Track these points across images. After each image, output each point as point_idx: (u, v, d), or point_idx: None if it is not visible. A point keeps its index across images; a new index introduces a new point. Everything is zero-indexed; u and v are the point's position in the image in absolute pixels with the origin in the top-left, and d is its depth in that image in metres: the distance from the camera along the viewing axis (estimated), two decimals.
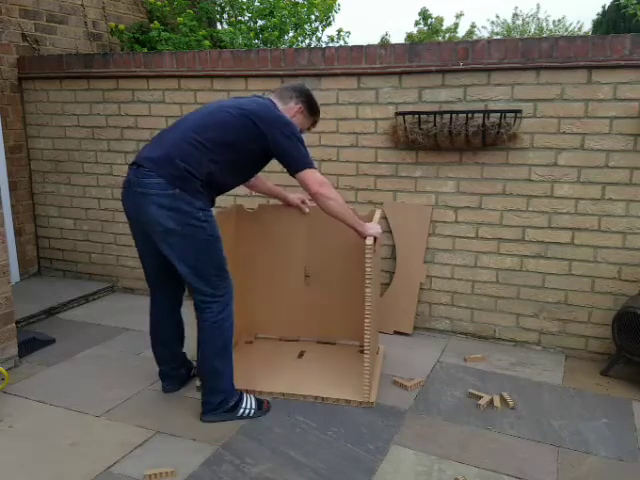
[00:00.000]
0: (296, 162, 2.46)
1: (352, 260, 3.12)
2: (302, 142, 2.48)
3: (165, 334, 2.76)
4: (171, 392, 2.81)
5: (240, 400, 2.58)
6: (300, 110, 2.63)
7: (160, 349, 2.78)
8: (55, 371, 3.07)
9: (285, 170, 2.53)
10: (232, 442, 2.41)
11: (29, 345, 3.27)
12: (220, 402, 2.53)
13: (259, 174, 2.77)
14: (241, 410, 2.56)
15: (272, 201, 3.25)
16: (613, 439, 2.46)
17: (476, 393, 2.79)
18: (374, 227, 2.70)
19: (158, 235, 2.39)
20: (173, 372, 2.82)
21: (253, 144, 2.45)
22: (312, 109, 2.68)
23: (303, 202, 3.09)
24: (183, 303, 2.80)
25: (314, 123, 2.77)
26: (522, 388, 2.90)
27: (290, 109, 2.60)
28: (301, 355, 3.17)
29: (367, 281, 2.61)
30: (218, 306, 2.47)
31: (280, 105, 2.58)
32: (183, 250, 2.38)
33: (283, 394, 2.77)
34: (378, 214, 2.96)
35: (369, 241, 2.57)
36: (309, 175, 2.46)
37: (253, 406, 2.59)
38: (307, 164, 2.47)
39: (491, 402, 2.73)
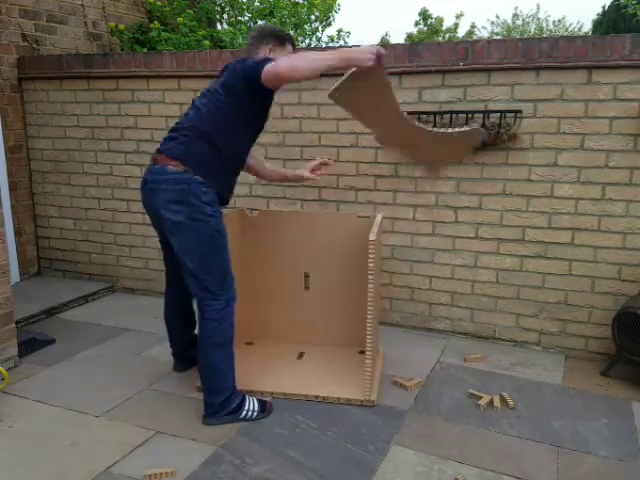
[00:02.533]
0: (261, 64, 2.32)
1: (352, 265, 3.13)
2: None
3: (170, 315, 2.93)
4: (179, 371, 3.02)
5: (243, 402, 2.57)
6: (272, 49, 2.58)
7: (169, 329, 2.96)
8: (55, 371, 3.07)
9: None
10: (232, 442, 2.41)
11: (29, 345, 3.27)
12: (222, 402, 2.52)
13: (260, 160, 2.93)
14: (244, 412, 2.56)
15: (273, 206, 3.25)
16: (613, 439, 2.46)
17: (476, 393, 2.79)
18: (368, 48, 2.11)
19: (167, 229, 2.48)
20: (180, 354, 3.01)
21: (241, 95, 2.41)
22: (280, 40, 2.62)
23: (313, 171, 3.09)
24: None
25: (293, 47, 2.67)
26: (522, 388, 2.90)
27: (265, 54, 2.55)
28: (301, 356, 3.17)
29: (370, 276, 2.61)
30: (219, 304, 2.49)
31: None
32: (189, 245, 2.45)
33: (284, 394, 2.77)
34: (379, 218, 2.96)
35: (372, 236, 2.59)
36: (273, 64, 2.28)
37: (256, 408, 2.59)
38: (269, 61, 2.32)
39: (491, 402, 2.73)
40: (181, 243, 2.46)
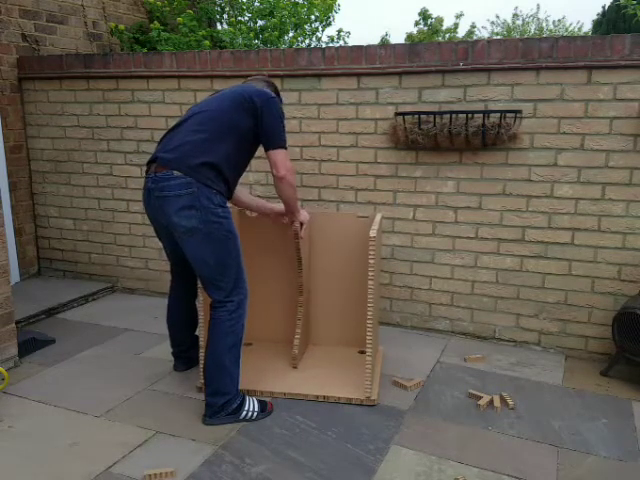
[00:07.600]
0: (274, 140, 2.55)
1: (352, 265, 3.13)
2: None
3: (175, 317, 2.97)
4: (179, 371, 3.04)
5: (243, 402, 2.57)
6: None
7: (171, 330, 2.99)
8: (55, 371, 3.07)
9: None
10: (232, 442, 2.41)
11: (29, 345, 3.27)
12: (223, 404, 2.52)
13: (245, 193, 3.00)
14: (244, 412, 2.55)
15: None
16: (613, 439, 2.46)
17: (476, 393, 2.79)
18: (304, 214, 2.90)
19: (180, 235, 2.47)
20: (182, 354, 3.04)
21: (245, 118, 2.53)
22: (280, 99, 2.76)
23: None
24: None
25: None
26: (522, 388, 2.90)
27: None
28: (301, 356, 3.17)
29: (370, 273, 2.61)
30: (233, 305, 2.52)
31: None
32: (204, 248, 2.45)
33: (284, 394, 2.77)
34: (379, 217, 2.96)
35: (373, 233, 2.59)
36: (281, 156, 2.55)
37: (256, 409, 2.59)
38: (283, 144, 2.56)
39: (491, 402, 2.73)
40: (195, 248, 2.45)
